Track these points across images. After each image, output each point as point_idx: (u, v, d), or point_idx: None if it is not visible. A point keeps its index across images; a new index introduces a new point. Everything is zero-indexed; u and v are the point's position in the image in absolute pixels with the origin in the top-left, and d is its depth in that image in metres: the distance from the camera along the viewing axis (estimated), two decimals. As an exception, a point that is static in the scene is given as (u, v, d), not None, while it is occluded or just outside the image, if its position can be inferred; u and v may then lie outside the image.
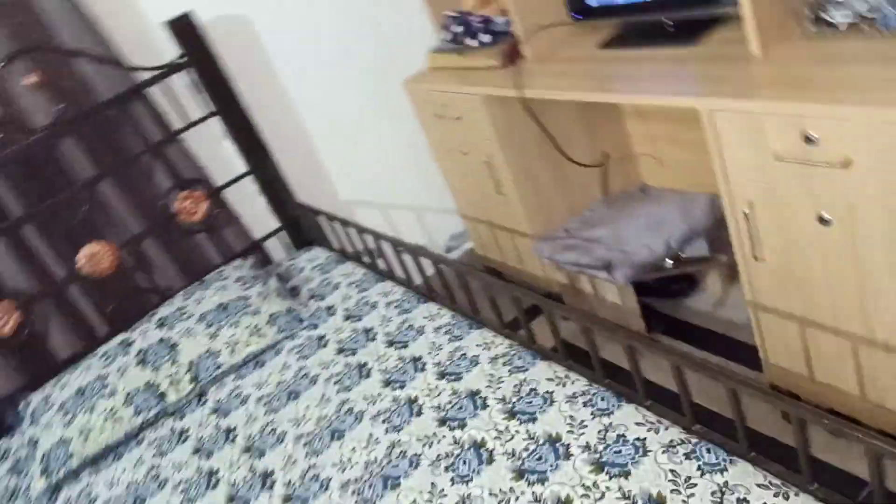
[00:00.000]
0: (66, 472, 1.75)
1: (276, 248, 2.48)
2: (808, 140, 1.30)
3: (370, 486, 1.33)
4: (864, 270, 1.37)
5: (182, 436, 1.75)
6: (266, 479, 1.48)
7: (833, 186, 1.32)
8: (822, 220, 1.37)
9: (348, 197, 2.62)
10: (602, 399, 1.29)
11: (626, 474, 1.13)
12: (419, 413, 1.46)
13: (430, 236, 2.81)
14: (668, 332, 2.27)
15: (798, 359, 1.66)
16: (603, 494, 1.11)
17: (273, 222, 2.43)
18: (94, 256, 2.15)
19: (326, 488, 1.37)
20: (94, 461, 1.78)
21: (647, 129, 2.34)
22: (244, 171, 2.34)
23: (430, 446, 1.36)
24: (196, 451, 1.67)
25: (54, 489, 1.75)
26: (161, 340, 1.94)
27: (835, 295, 1.47)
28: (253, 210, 2.40)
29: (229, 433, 1.68)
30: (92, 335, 2.19)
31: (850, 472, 1.58)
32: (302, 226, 2.45)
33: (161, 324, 2.01)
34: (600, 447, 1.19)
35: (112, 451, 1.80)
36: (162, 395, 1.84)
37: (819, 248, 1.43)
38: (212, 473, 1.57)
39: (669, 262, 2.14)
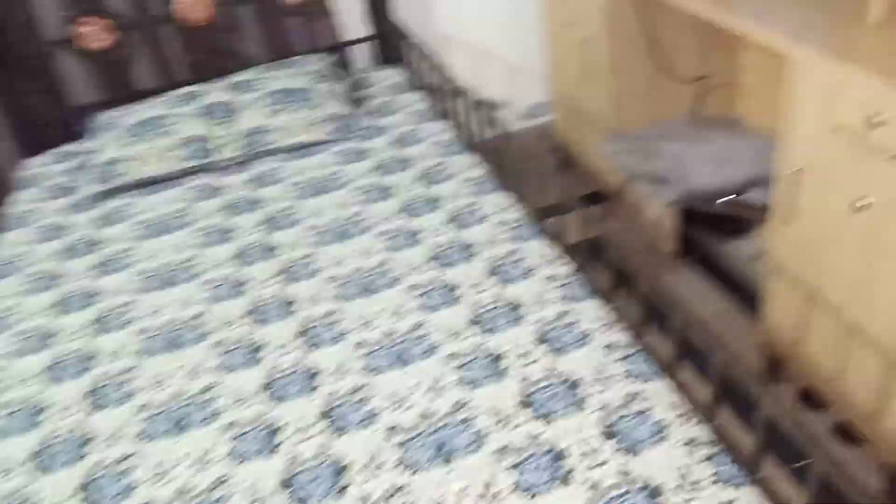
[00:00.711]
0: (113, 187, 1.96)
1: (361, 58, 2.53)
2: (873, 123, 1.26)
3: (382, 357, 1.31)
4: (884, 265, 1.36)
5: (216, 192, 1.91)
6: (270, 250, 1.64)
7: (882, 175, 1.29)
8: (858, 207, 1.35)
9: (446, 29, 2.61)
10: (639, 362, 1.21)
11: (635, 453, 1.06)
12: (455, 303, 1.40)
13: (512, 95, 2.80)
14: (697, 264, 2.28)
15: (793, 325, 1.69)
16: (603, 463, 1.05)
17: (364, 31, 2.47)
18: (190, 3, 2.24)
19: (340, 341, 1.36)
20: (137, 186, 1.98)
21: (760, 63, 2.23)
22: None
23: (451, 341, 1.32)
24: (223, 208, 1.84)
25: (101, 196, 1.96)
26: (226, 102, 2.07)
27: (846, 278, 1.47)
28: (349, 12, 2.43)
29: (256, 203, 1.83)
30: (171, 77, 2.34)
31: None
32: (390, 42, 2.48)
33: (232, 87, 2.13)
34: (616, 415, 1.12)
35: (154, 183, 1.99)
36: (210, 151, 2.00)
37: (848, 231, 1.42)
38: (227, 231, 1.74)
39: (724, 199, 2.12)
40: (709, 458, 1.04)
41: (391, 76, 2.37)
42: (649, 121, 2.33)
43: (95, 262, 1.71)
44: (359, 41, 2.49)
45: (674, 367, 1.21)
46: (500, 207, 1.65)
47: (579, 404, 1.15)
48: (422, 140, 1.98)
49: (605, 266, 1.39)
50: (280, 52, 2.39)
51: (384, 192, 1.78)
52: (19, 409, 1.31)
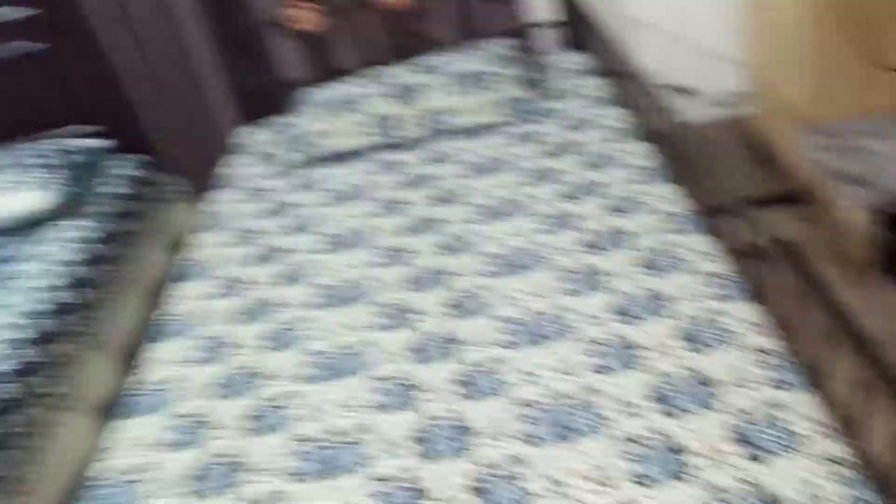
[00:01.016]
0: (310, 156, 2.18)
1: (546, 41, 2.55)
2: None
3: (521, 333, 1.36)
4: None
5: (395, 167, 2.06)
6: (436, 223, 1.75)
7: None
8: None
9: (637, 14, 2.55)
10: (785, 371, 1.14)
11: (762, 462, 1.02)
12: (600, 289, 1.41)
13: (704, 83, 2.68)
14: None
15: None
16: (725, 466, 1.02)
17: (552, 15, 2.49)
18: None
19: (483, 315, 1.42)
20: (329, 157, 2.18)
21: None
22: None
23: (589, 326, 1.33)
24: (402, 182, 1.97)
25: (296, 166, 2.19)
26: (412, 84, 2.20)
27: None
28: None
29: (427, 180, 1.95)
30: (369, 58, 2.52)
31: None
32: (576, 27, 2.48)
33: (419, 69, 2.26)
34: (747, 421, 1.08)
35: (344, 156, 2.18)
36: (396, 128, 2.15)
37: None
38: (399, 203, 1.87)
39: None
40: (846, 481, 0.97)
41: (574, 61, 2.38)
42: (852, 114, 2.12)
43: (287, 223, 1.93)
44: (545, 25, 2.51)
45: (821, 380, 1.13)
46: (666, 199, 1.61)
47: (711, 405, 1.12)
48: (595, 126, 1.98)
49: (779, 270, 1.32)
50: (470, 35, 2.48)
51: (548, 176, 1.82)
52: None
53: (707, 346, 1.22)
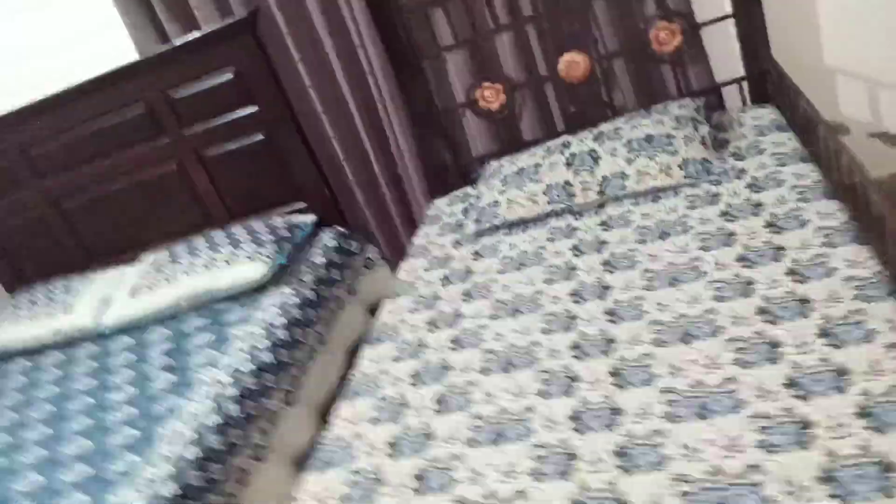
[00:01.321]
0: (490, 226, 2.27)
1: (731, 98, 2.47)
2: None
3: (670, 334, 1.50)
4: None
5: (570, 233, 2.08)
6: (604, 290, 1.74)
7: None
8: None
9: (835, 61, 2.39)
10: None
11: (884, 433, 1.09)
12: (747, 295, 1.51)
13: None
14: None
15: None
16: (848, 436, 1.11)
17: (738, 70, 2.40)
18: (571, 63, 2.48)
19: (639, 319, 1.58)
20: (508, 226, 2.26)
21: None
22: (728, 14, 2.33)
23: (735, 325, 1.44)
24: (574, 247, 2.00)
25: (478, 235, 2.29)
26: (591, 151, 2.23)
27: None
28: (723, 52, 2.40)
29: (601, 245, 1.95)
30: (552, 128, 2.61)
31: None
32: (764, 81, 2.37)
33: (597, 137, 2.28)
34: (878, 400, 1.14)
35: (522, 224, 2.25)
36: (572, 196, 2.18)
37: None
38: (573, 268, 1.89)
39: None
40: None
41: (763, 115, 2.27)
42: None
43: (463, 288, 2.02)
44: (730, 83, 2.44)
45: None
46: (854, 262, 1.48)
47: (842, 389, 1.20)
48: (781, 184, 1.87)
49: None
50: (651, 98, 2.48)
51: (726, 238, 1.74)
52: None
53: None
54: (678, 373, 1.39)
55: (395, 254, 2.97)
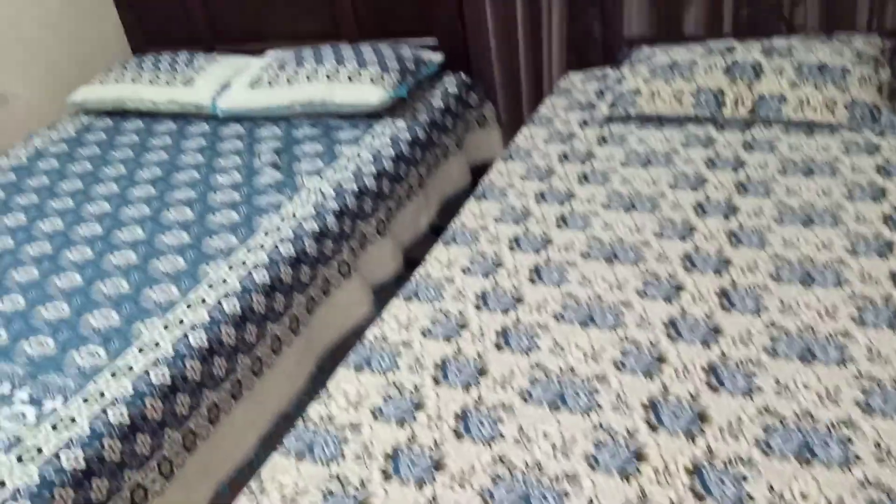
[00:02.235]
0: (623, 114, 2.18)
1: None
2: None
3: (790, 271, 1.45)
4: None
5: (708, 143, 1.98)
6: (731, 210, 1.67)
7: None
8: None
9: None
10: None
11: None
12: (884, 257, 1.44)
13: None
14: None
15: None
16: None
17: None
18: None
19: (761, 248, 1.53)
20: (643, 118, 2.16)
21: None
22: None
23: (862, 283, 1.38)
24: (708, 160, 1.91)
25: (608, 120, 2.21)
26: (755, 64, 2.08)
27: None
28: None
29: (739, 165, 1.86)
30: (717, 27, 2.42)
31: None
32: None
33: (766, 51, 2.11)
34: None
35: (656, 121, 2.14)
36: (721, 105, 2.06)
37: None
38: (703, 180, 1.81)
39: None
40: None
41: (953, 77, 2.06)
42: None
43: (580, 170, 1.97)
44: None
45: None
46: None
47: None
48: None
49: None
50: (836, 24, 2.26)
51: (875, 193, 1.63)
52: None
53: None
54: (788, 311, 1.35)
55: (512, 118, 2.90)
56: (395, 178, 2.31)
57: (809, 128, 1.95)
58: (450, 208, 2.64)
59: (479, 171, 2.85)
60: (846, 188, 1.68)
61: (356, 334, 2.07)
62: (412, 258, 2.33)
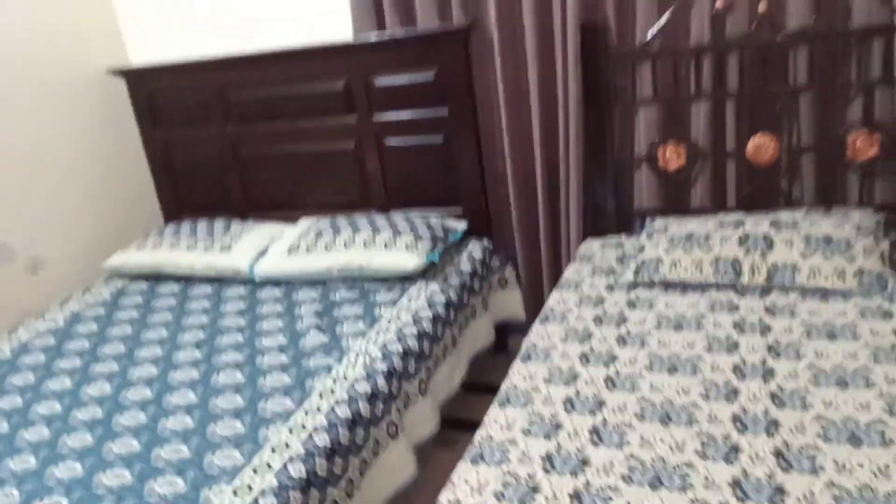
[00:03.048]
0: (647, 281, 2.35)
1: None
2: None
3: (837, 432, 1.55)
4: None
5: (732, 309, 2.14)
6: (768, 373, 1.80)
7: None
8: None
9: None
10: None
11: None
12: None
13: None
14: None
15: None
16: None
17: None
18: (760, 146, 2.54)
19: (805, 410, 1.64)
20: (666, 285, 2.33)
21: None
22: (933, 138, 2.36)
23: None
24: (735, 324, 2.06)
25: (633, 286, 2.38)
26: (765, 235, 2.29)
27: None
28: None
29: (764, 329, 2.01)
30: (721, 202, 2.67)
31: None
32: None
33: (774, 224, 2.33)
34: None
35: (681, 286, 2.32)
36: (738, 274, 2.24)
37: None
38: (735, 344, 1.95)
39: None
40: None
41: (945, 246, 2.28)
42: None
43: (618, 333, 2.11)
44: (917, 204, 2.45)
45: None
46: None
47: None
48: (961, 318, 1.89)
49: None
50: (830, 199, 2.51)
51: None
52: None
53: None
54: (844, 471, 1.44)
55: (531, 280, 3.08)
56: (434, 339, 2.42)
57: (824, 294, 2.13)
58: (477, 365, 2.76)
59: (500, 329, 3.00)
60: (870, 351, 1.82)
61: (404, 496, 2.11)
62: (446, 417, 2.41)
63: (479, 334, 2.80)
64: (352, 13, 2.92)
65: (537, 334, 2.19)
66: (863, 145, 2.42)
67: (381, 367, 2.15)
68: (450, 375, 2.52)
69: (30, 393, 2.27)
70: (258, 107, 3.20)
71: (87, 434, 2.00)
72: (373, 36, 2.91)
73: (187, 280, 3.04)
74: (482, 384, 2.95)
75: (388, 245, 2.72)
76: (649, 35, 2.54)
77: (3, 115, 2.95)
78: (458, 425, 2.73)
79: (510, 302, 3.01)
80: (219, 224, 3.20)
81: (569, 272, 2.58)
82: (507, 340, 3.13)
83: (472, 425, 1.82)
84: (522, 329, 3.08)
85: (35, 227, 3.09)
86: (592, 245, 2.77)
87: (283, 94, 3.13)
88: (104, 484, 1.77)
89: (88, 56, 3.33)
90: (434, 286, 2.63)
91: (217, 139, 3.33)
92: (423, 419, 2.28)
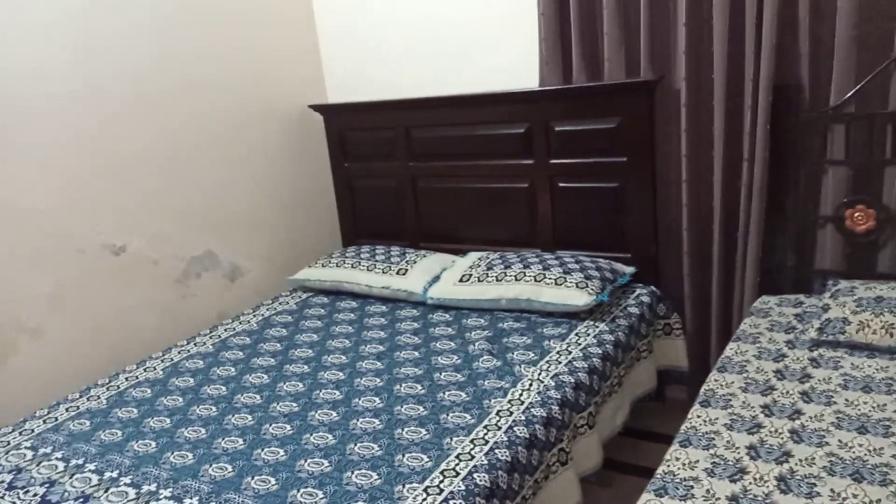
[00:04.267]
0: (832, 340, 2.31)
1: None
2: None
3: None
4: None
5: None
6: None
7: None
8: None
9: None
10: None
11: None
12: None
13: None
14: None
15: None
16: None
17: None
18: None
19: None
20: (852, 346, 2.28)
21: None
22: None
23: None
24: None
25: (815, 344, 2.34)
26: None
27: None
28: None
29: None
30: (911, 269, 2.59)
31: None
32: None
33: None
34: None
35: (869, 349, 2.26)
36: (933, 341, 2.17)
37: None
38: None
39: None
40: None
41: None
42: None
43: (801, 388, 2.09)
44: None
45: None
46: None
47: None
48: None
49: None
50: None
51: None
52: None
53: None
54: None
55: (697, 331, 3.08)
56: (602, 376, 2.48)
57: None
58: (637, 411, 2.78)
59: (660, 378, 3.00)
60: None
61: (569, 524, 2.16)
62: (605, 457, 2.45)
63: (642, 378, 2.82)
64: (540, 65, 3.09)
65: (714, 381, 2.20)
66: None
67: (556, 395, 2.24)
68: (613, 415, 2.56)
69: (233, 384, 2.53)
70: (440, 146, 3.44)
71: (287, 425, 2.21)
72: (558, 84, 3.07)
73: (364, 298, 3.27)
74: (641, 430, 2.97)
75: (558, 281, 2.82)
76: (844, 98, 2.53)
77: (215, 141, 3.34)
78: (615, 466, 2.76)
79: (674, 349, 3.01)
80: (395, 249, 3.43)
81: (745, 325, 2.57)
82: (664, 389, 3.12)
83: (630, 467, 1.85)
84: (682, 380, 3.09)
85: (236, 240, 3.44)
86: (769, 301, 2.74)
87: (466, 134, 3.35)
88: (306, 469, 1.96)
89: (295, 91, 3.71)
90: (603, 325, 2.70)
91: (399, 173, 3.59)
92: (588, 452, 2.33)
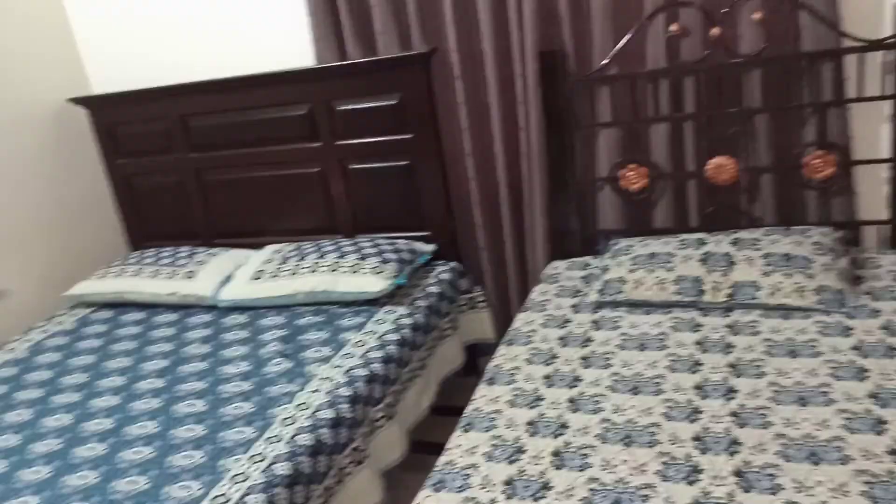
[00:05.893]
0: (611, 300, 2.36)
1: (870, 236, 2.53)
2: None
3: (796, 450, 1.55)
4: None
5: (695, 328, 2.16)
6: (730, 391, 1.81)
7: None
8: None
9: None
10: None
11: None
12: (879, 433, 1.57)
13: None
14: None
15: None
16: None
17: (881, 212, 2.47)
18: (720, 167, 2.58)
19: (765, 429, 1.64)
20: (629, 304, 2.35)
21: None
22: (886, 158, 2.41)
23: (865, 459, 1.48)
24: (698, 343, 2.07)
25: (598, 306, 2.38)
26: (726, 254, 2.32)
27: None
28: (871, 194, 2.47)
29: (727, 347, 2.02)
30: (684, 221, 2.70)
31: None
32: (908, 230, 2.43)
33: (735, 242, 2.37)
34: None
35: (645, 306, 2.33)
36: (701, 292, 2.26)
37: None
38: (697, 362, 1.96)
39: None
40: None
41: (898, 263, 2.33)
42: None
43: (581, 353, 2.11)
44: (873, 223, 2.50)
45: None
46: None
47: None
48: (917, 333, 1.92)
49: None
50: (789, 217, 2.55)
51: (858, 373, 1.80)
52: (504, 444, 1.74)
53: None
54: (804, 489, 1.45)
55: (499, 300, 3.08)
56: (401, 363, 2.41)
57: (785, 312, 2.15)
58: (448, 387, 2.74)
59: (471, 350, 2.99)
60: (830, 368, 1.84)
61: (368, 525, 2.08)
62: (416, 441, 2.39)
63: (448, 357, 2.78)
64: (313, 43, 2.92)
65: (502, 356, 2.18)
66: (819, 165, 2.47)
67: (346, 392, 2.13)
68: (418, 399, 2.50)
69: (-12, 425, 2.21)
70: (221, 133, 3.19)
71: (43, 466, 1.95)
72: (333, 62, 2.92)
73: (152, 307, 3.00)
74: (453, 407, 2.93)
75: (354, 269, 2.71)
76: (606, 60, 2.58)
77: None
78: (428, 449, 2.70)
79: (480, 323, 3.00)
80: (184, 250, 3.17)
81: (535, 293, 2.59)
82: (477, 362, 3.12)
83: (442, 449, 1.81)
84: (492, 351, 3.08)
85: (-3, 261, 3.04)
86: (559, 266, 2.78)
87: (246, 120, 3.13)
88: (58, 520, 1.73)
89: (47, 85, 3.30)
90: (402, 309, 2.62)
91: (180, 167, 3.31)
92: (390, 445, 2.26)
